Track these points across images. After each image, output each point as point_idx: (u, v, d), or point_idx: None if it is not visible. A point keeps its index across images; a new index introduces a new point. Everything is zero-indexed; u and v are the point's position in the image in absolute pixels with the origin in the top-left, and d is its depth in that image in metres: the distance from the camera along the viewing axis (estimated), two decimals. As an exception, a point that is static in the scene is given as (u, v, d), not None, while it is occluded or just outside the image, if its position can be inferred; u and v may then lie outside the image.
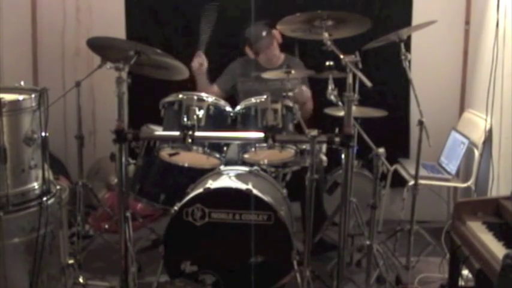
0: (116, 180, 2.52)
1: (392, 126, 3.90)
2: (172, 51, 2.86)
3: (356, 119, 3.00)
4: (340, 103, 3.01)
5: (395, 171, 3.71)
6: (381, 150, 2.77)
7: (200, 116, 2.72)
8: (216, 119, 2.86)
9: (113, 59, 2.71)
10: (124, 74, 2.44)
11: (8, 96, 2.38)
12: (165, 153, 2.90)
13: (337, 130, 2.63)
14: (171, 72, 2.93)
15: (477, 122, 3.58)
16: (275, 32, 3.59)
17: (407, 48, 3.22)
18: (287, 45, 3.71)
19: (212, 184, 2.77)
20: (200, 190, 2.75)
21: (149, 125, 3.37)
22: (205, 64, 3.56)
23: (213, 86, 3.69)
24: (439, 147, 3.75)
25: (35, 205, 2.42)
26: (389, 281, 3.03)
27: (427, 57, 3.94)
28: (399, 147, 4.01)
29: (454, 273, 2.53)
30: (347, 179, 2.54)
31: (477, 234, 2.28)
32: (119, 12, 4.09)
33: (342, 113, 2.69)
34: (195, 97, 2.76)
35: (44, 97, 2.46)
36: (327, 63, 3.09)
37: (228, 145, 3.00)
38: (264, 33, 3.59)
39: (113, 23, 4.08)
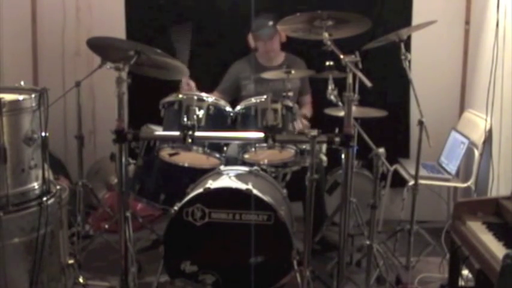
0: (115, 180, 2.52)
1: (392, 126, 3.90)
2: (172, 51, 2.86)
3: (356, 119, 3.00)
4: (340, 103, 3.01)
5: (395, 171, 3.71)
6: (381, 150, 2.77)
7: (200, 116, 2.72)
8: (216, 119, 2.86)
9: (113, 59, 2.71)
10: (124, 74, 2.44)
11: (8, 96, 2.38)
12: (165, 153, 2.90)
13: (337, 130, 2.64)
14: (171, 72, 2.93)
15: (477, 122, 3.58)
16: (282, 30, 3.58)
17: (407, 48, 3.22)
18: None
19: (212, 184, 2.77)
20: (200, 190, 2.75)
21: (149, 125, 3.37)
22: (193, 85, 3.42)
23: (214, 93, 3.69)
24: (439, 147, 3.75)
25: (35, 205, 2.42)
26: (389, 281, 3.03)
27: (427, 57, 3.94)
28: (399, 147, 4.01)
29: (454, 273, 2.54)
30: (347, 179, 2.54)
31: (477, 234, 2.28)
32: (119, 12, 4.09)
33: (342, 113, 2.69)
34: (195, 97, 2.76)
35: (44, 97, 2.46)
36: (327, 63, 3.09)
37: (228, 144, 3.00)
38: (270, 23, 3.58)
39: (113, 23, 4.08)
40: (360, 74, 2.43)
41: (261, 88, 3.62)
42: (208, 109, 2.83)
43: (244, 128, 2.85)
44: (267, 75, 3.31)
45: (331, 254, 3.36)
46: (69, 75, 4.06)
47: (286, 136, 2.78)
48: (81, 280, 2.82)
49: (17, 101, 2.38)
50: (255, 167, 3.01)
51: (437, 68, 4.01)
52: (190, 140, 2.54)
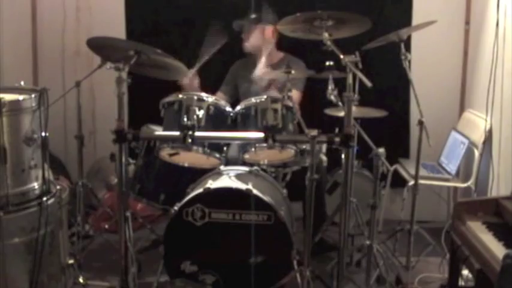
0: (116, 180, 2.52)
1: (392, 126, 3.90)
2: (172, 51, 2.85)
3: (356, 119, 3.00)
4: (340, 103, 3.01)
5: (395, 171, 3.71)
6: (381, 150, 2.77)
7: (200, 116, 2.72)
8: (216, 119, 2.86)
9: (113, 59, 2.71)
10: (124, 74, 2.44)
11: (8, 96, 2.38)
12: (165, 153, 2.90)
13: (337, 130, 2.64)
14: (171, 72, 2.94)
15: (477, 122, 3.58)
16: (267, 27, 3.58)
17: (407, 48, 3.22)
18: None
19: (212, 184, 2.77)
20: (200, 190, 2.75)
21: (149, 125, 3.37)
22: (196, 81, 3.52)
23: (216, 93, 3.70)
24: (439, 147, 3.75)
25: (35, 205, 2.42)
26: (389, 281, 3.03)
27: (427, 57, 3.94)
28: (399, 147, 4.01)
29: (454, 273, 2.54)
30: (347, 179, 2.54)
31: (477, 234, 2.28)
32: (119, 12, 4.09)
33: (342, 113, 2.69)
34: (195, 97, 2.76)
35: (44, 97, 2.46)
36: (327, 63, 3.09)
37: (228, 145, 3.00)
38: (251, 16, 3.61)
39: (113, 23, 4.08)
40: (360, 74, 2.43)
41: (255, 86, 3.63)
42: (208, 109, 2.83)
43: (244, 128, 2.84)
44: (267, 75, 3.31)
45: (331, 254, 3.36)
46: (69, 75, 4.06)
47: (286, 136, 2.78)
48: (81, 280, 2.82)
49: (17, 101, 2.38)
50: (255, 167, 3.01)
51: (437, 68, 4.01)
52: (190, 140, 2.54)
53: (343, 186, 2.57)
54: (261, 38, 3.64)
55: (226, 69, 3.84)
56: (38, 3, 4.15)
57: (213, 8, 4.01)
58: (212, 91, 3.60)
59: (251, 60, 3.77)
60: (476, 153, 3.49)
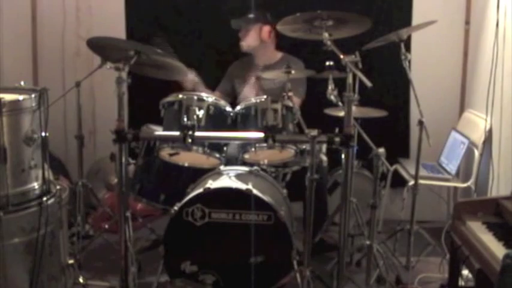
0: (115, 180, 2.52)
1: (392, 126, 3.90)
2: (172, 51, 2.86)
3: (356, 119, 3.00)
4: (340, 103, 3.01)
5: (395, 171, 3.70)
6: (381, 150, 2.77)
7: (200, 116, 2.72)
8: (216, 119, 2.86)
9: (112, 59, 2.71)
10: (124, 74, 2.44)
11: (8, 96, 2.38)
12: (165, 153, 2.90)
13: (337, 130, 2.63)
14: (171, 72, 2.94)
15: (477, 122, 3.58)
16: (265, 27, 3.59)
17: (407, 48, 3.22)
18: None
19: (212, 184, 2.77)
20: (200, 190, 2.75)
21: (149, 125, 3.37)
22: (197, 79, 3.56)
23: (215, 92, 3.70)
24: (439, 147, 3.75)
25: (35, 205, 2.42)
26: (389, 281, 3.03)
27: (427, 57, 3.94)
28: (399, 147, 4.01)
29: (454, 273, 2.54)
30: (347, 179, 2.54)
31: (477, 234, 2.28)
32: (119, 12, 4.09)
33: (342, 113, 2.69)
34: (195, 97, 2.76)
35: (44, 97, 2.46)
36: (327, 63, 3.09)
37: (228, 144, 3.00)
38: (249, 16, 3.62)
39: (113, 23, 4.08)
40: (360, 74, 2.43)
41: (252, 87, 3.63)
42: (208, 109, 2.83)
43: (244, 128, 2.84)
44: (266, 75, 3.31)
45: (331, 254, 3.36)
46: (69, 75, 4.06)
47: (286, 136, 2.78)
48: (81, 280, 2.82)
49: (17, 101, 2.38)
50: (255, 167, 3.01)
51: (437, 68, 4.01)
52: (190, 140, 2.54)
53: (343, 186, 2.57)
54: (257, 38, 3.64)
55: (224, 69, 3.85)
56: (38, 4, 4.15)
57: (213, 7, 4.01)
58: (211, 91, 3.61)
59: (249, 60, 3.78)
60: (476, 153, 3.48)
